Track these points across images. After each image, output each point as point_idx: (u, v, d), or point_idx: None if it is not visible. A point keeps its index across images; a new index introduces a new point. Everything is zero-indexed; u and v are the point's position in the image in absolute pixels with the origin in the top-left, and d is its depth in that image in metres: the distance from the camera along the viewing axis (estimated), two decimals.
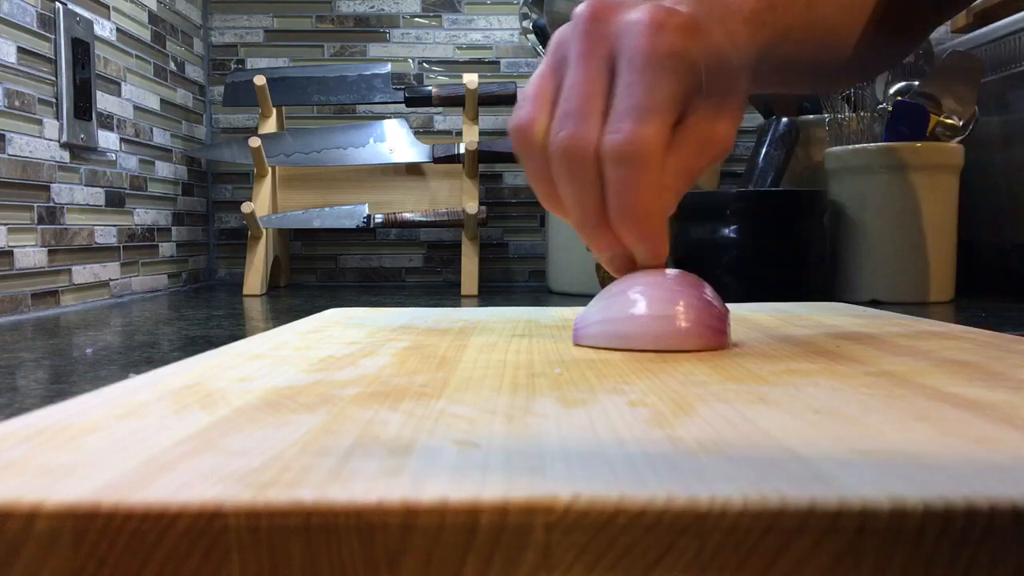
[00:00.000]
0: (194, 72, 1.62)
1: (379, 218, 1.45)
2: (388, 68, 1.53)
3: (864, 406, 0.25)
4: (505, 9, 1.67)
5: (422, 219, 1.46)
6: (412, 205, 1.52)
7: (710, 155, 0.37)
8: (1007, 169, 1.22)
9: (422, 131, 1.66)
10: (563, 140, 0.36)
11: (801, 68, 0.46)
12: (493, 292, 1.44)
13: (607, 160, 0.35)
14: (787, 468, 0.18)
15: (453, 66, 1.67)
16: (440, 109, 1.66)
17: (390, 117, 1.58)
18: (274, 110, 1.50)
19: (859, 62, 0.50)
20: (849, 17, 0.47)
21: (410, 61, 1.67)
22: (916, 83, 1.15)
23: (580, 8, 0.38)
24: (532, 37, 1.48)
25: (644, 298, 0.37)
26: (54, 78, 1.10)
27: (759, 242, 1.09)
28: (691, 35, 0.36)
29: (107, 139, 1.25)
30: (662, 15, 0.36)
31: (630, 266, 0.39)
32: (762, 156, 1.27)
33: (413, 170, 1.53)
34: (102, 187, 1.23)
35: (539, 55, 1.48)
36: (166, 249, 1.46)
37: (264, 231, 1.41)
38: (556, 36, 0.39)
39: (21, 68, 1.03)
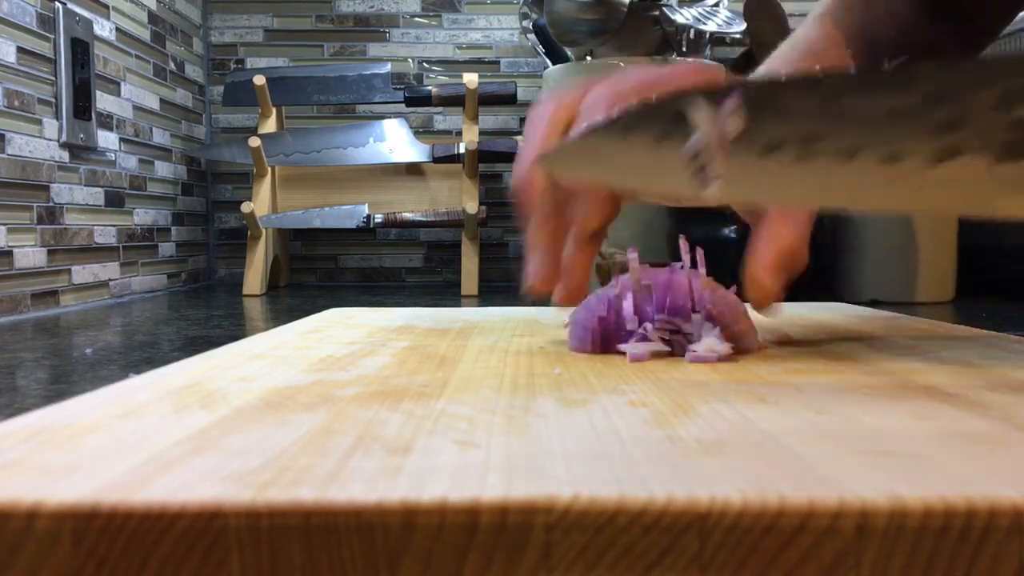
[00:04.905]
0: (194, 72, 1.62)
1: (379, 218, 1.45)
2: (388, 68, 1.53)
3: (864, 406, 0.25)
4: (505, 9, 1.67)
5: (422, 219, 1.46)
6: (412, 205, 1.52)
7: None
8: None
9: (422, 131, 1.66)
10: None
11: None
12: (493, 292, 1.44)
13: None
14: (787, 468, 0.18)
15: (453, 66, 1.67)
16: (440, 109, 1.66)
17: (390, 117, 1.58)
18: (274, 110, 1.50)
19: None
20: None
21: (410, 61, 1.67)
22: None
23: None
24: (532, 37, 1.48)
25: (586, 303, 0.37)
26: (54, 78, 1.10)
27: None
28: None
29: (107, 139, 1.25)
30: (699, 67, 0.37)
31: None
32: None
33: (413, 170, 1.53)
34: (102, 187, 1.23)
35: (539, 55, 1.49)
36: (166, 249, 1.46)
37: (264, 231, 1.41)
38: None
39: (21, 68, 1.03)
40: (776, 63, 0.45)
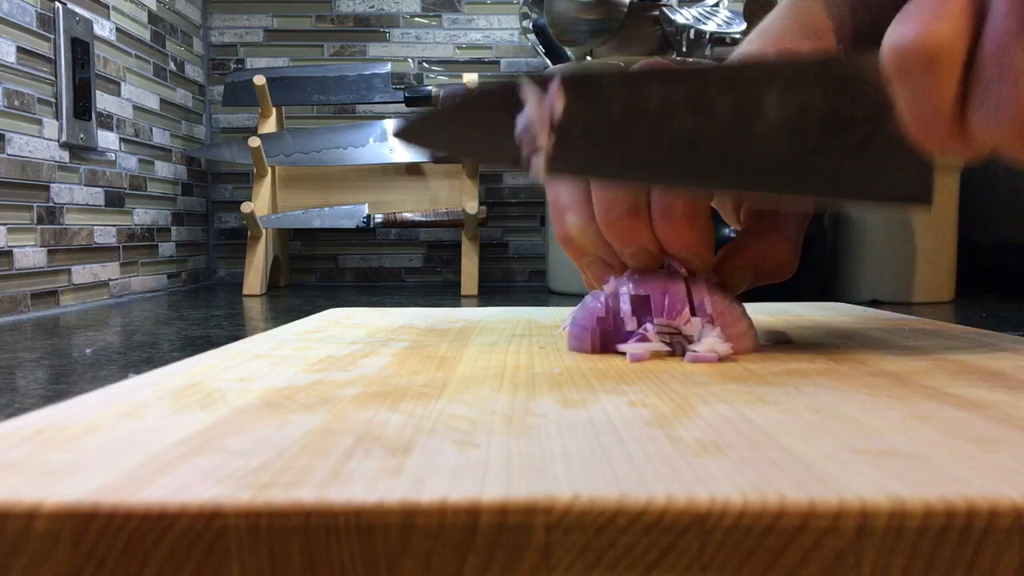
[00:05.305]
0: (194, 72, 1.62)
1: (379, 218, 1.45)
2: (388, 68, 1.53)
3: (864, 406, 0.25)
4: (505, 9, 1.67)
5: (422, 219, 1.46)
6: (412, 205, 1.52)
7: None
8: (1007, 168, 1.22)
9: None
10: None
11: None
12: (493, 292, 1.44)
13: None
14: (787, 468, 0.18)
15: (453, 66, 1.67)
16: None
17: (390, 117, 1.58)
18: (274, 110, 1.50)
19: None
20: None
21: (410, 61, 1.67)
22: None
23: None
24: (532, 37, 1.48)
25: (584, 303, 0.37)
26: (54, 78, 1.10)
27: None
28: None
29: (107, 139, 1.25)
30: None
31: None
32: None
33: (413, 170, 1.53)
34: (102, 187, 1.23)
35: (539, 55, 1.48)
36: (166, 249, 1.46)
37: (264, 231, 1.41)
38: None
39: (21, 68, 1.03)
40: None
